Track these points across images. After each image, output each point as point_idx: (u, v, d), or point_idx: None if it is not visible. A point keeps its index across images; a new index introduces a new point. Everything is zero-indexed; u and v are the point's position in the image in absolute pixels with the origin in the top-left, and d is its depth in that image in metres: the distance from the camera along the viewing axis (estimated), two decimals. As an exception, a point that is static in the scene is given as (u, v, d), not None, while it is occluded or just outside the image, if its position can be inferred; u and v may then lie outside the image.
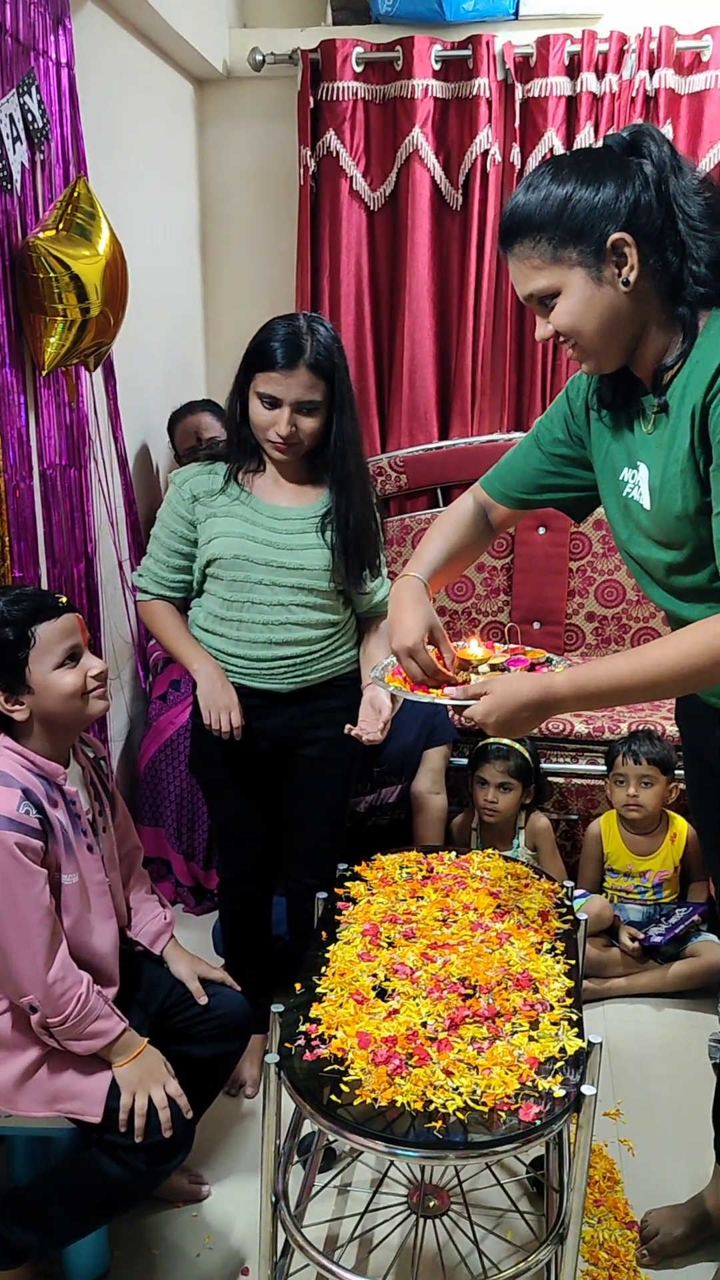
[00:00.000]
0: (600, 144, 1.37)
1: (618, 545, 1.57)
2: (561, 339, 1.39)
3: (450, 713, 2.79)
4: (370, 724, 2.07)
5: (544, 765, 2.98)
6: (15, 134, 2.15)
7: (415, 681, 1.59)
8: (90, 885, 1.72)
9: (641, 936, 2.68)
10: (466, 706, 1.48)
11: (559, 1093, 1.38)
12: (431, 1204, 1.87)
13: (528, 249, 1.36)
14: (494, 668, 1.64)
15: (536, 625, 3.58)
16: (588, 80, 3.27)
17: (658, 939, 2.66)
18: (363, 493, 2.12)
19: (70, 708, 1.68)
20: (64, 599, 1.70)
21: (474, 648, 1.69)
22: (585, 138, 3.33)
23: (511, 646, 1.72)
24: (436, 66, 3.35)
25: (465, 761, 2.94)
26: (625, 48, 3.25)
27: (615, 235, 1.31)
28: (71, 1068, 1.66)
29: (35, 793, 1.63)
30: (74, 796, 1.71)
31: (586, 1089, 1.39)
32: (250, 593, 2.09)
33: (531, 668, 1.63)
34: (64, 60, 2.37)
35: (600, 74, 3.28)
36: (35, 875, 1.60)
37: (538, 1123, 1.34)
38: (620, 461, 1.51)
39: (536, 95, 3.33)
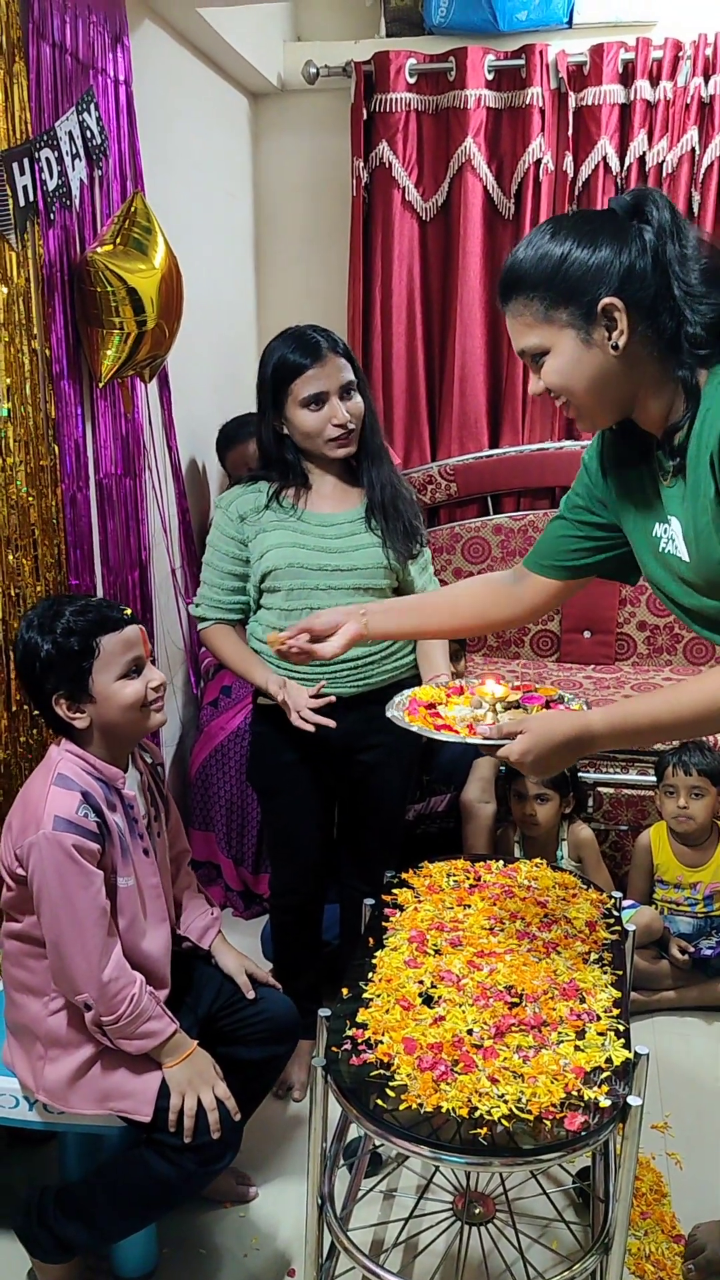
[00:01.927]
0: (605, 206, 1.37)
1: (664, 602, 1.54)
2: (553, 395, 1.40)
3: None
4: None
5: (593, 775, 2.97)
6: (75, 151, 2.20)
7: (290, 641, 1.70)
8: (145, 889, 1.75)
9: (691, 949, 2.66)
10: (499, 746, 1.46)
11: (605, 1103, 1.38)
12: (477, 1211, 1.87)
13: (521, 306, 1.36)
14: (509, 706, 1.63)
15: (587, 634, 3.57)
16: (642, 88, 3.27)
17: (708, 952, 2.63)
18: (390, 468, 2.20)
19: (130, 719, 1.71)
20: (128, 611, 1.73)
21: (491, 686, 1.67)
22: (639, 146, 3.32)
23: (524, 683, 1.71)
24: (489, 76, 3.36)
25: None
26: (680, 54, 3.23)
27: (606, 300, 1.30)
28: (123, 1067, 1.69)
29: (95, 796, 1.67)
30: (132, 801, 1.74)
31: (633, 1100, 1.39)
32: (309, 599, 2.10)
33: (546, 705, 1.62)
34: (122, 78, 2.42)
35: (654, 81, 3.28)
36: (92, 876, 1.63)
37: (583, 1132, 1.34)
38: (649, 518, 1.49)
39: (590, 104, 3.33)
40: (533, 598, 1.73)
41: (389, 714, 1.65)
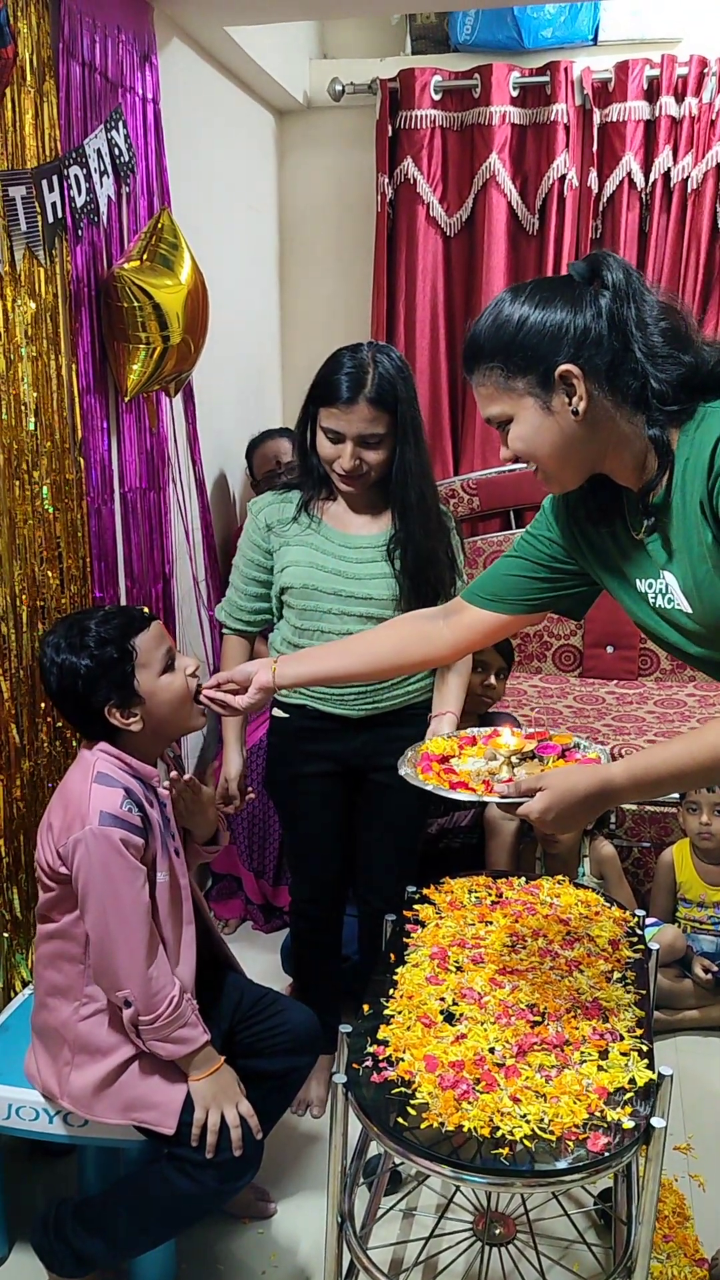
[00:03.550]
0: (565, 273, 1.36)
1: (670, 653, 1.51)
2: (520, 461, 1.39)
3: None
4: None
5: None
6: (103, 168, 2.22)
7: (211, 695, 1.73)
8: (179, 886, 1.77)
9: (715, 968, 2.64)
10: (518, 804, 1.42)
11: (628, 1124, 1.37)
12: (497, 1231, 1.86)
13: (482, 375, 1.36)
14: (524, 757, 1.59)
15: (610, 649, 3.56)
16: (667, 104, 3.27)
17: (731, 971, 2.61)
18: (425, 525, 2.07)
19: (179, 712, 1.74)
20: (146, 609, 1.75)
21: (507, 737, 1.65)
22: (663, 162, 3.33)
23: (537, 731, 1.67)
24: (514, 93, 3.38)
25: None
26: (705, 71, 3.24)
27: (562, 367, 1.29)
28: (149, 1079, 1.69)
29: (135, 792, 1.68)
30: (165, 799, 1.76)
31: (656, 1121, 1.38)
32: (319, 621, 2.10)
33: (563, 754, 1.59)
34: (150, 96, 2.45)
35: (680, 98, 3.28)
36: (137, 871, 1.65)
37: (606, 1154, 1.33)
38: (631, 573, 1.46)
39: (615, 120, 3.34)
40: (463, 633, 1.68)
41: (401, 771, 1.60)
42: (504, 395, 1.35)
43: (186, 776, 1.86)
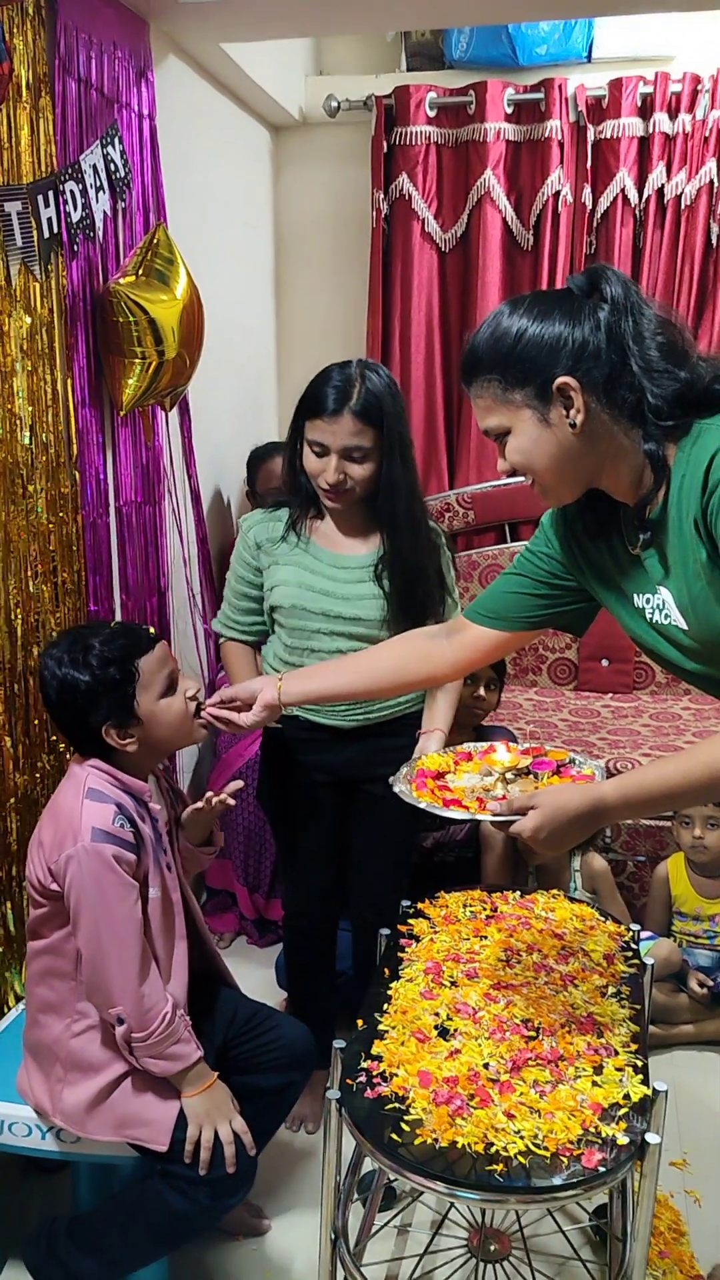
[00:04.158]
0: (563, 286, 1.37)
1: (666, 668, 1.51)
2: (517, 474, 1.40)
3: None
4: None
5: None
6: (99, 183, 2.23)
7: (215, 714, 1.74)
8: (171, 902, 1.76)
9: (711, 983, 2.63)
10: (511, 822, 1.42)
11: (623, 1140, 1.36)
12: (492, 1248, 1.85)
13: (480, 388, 1.37)
14: (519, 773, 1.59)
15: (604, 662, 3.56)
16: (660, 121, 3.30)
17: (727, 985, 2.61)
18: (414, 542, 2.06)
19: (178, 734, 1.74)
20: (152, 630, 1.75)
21: (501, 754, 1.65)
22: (657, 178, 3.35)
23: (532, 747, 1.68)
24: (509, 110, 3.40)
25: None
26: (699, 88, 3.27)
27: (560, 380, 1.29)
28: (141, 1095, 1.68)
29: (127, 808, 1.68)
30: (157, 814, 1.75)
31: (651, 1137, 1.37)
32: (309, 640, 2.10)
33: (558, 770, 1.59)
34: (146, 112, 2.46)
35: (673, 114, 3.30)
36: (130, 887, 1.64)
37: (600, 1169, 1.33)
38: (627, 588, 1.47)
39: (609, 136, 3.36)
40: (465, 652, 1.69)
41: (395, 789, 1.59)
42: (502, 407, 1.36)
43: (219, 798, 1.86)
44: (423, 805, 1.52)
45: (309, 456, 2.03)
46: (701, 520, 1.30)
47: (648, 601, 1.44)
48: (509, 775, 1.58)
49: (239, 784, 1.89)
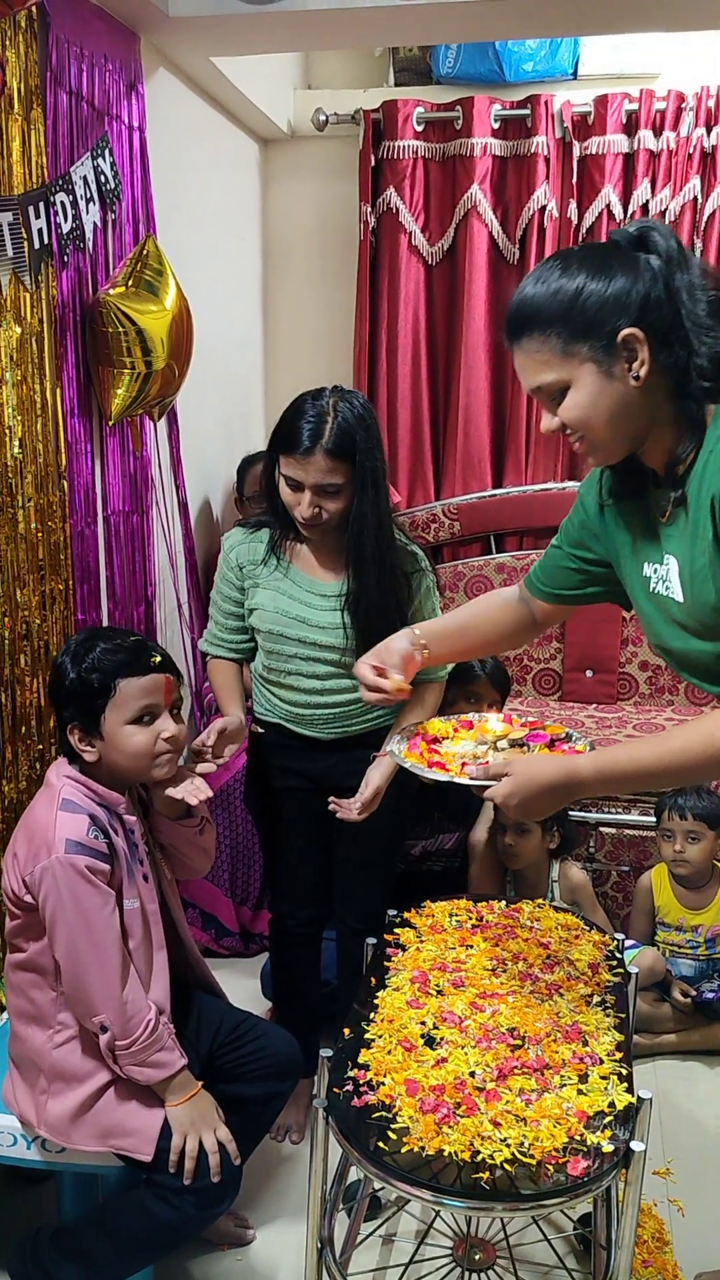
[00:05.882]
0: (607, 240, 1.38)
1: (652, 642, 1.53)
2: (568, 432, 1.38)
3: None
4: (351, 803, 2.07)
5: (595, 815, 2.96)
6: (89, 195, 2.24)
7: (367, 685, 1.64)
8: (147, 913, 1.76)
9: (694, 992, 2.64)
10: (486, 787, 1.45)
11: (607, 1148, 1.37)
12: (477, 1257, 1.85)
13: (537, 343, 1.34)
14: (513, 743, 1.61)
15: (589, 673, 3.58)
16: (645, 138, 3.33)
17: (710, 995, 2.62)
18: (379, 579, 2.04)
19: (134, 766, 1.72)
20: (158, 659, 1.72)
21: (493, 723, 1.66)
22: (642, 194, 3.38)
23: (531, 720, 1.70)
24: (495, 125, 3.43)
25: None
26: (683, 106, 3.30)
27: (626, 330, 1.29)
28: (125, 1105, 1.68)
29: (100, 819, 1.68)
30: (133, 826, 1.75)
31: (635, 1145, 1.38)
32: (287, 663, 2.12)
33: (551, 744, 1.61)
34: (136, 124, 2.48)
35: (657, 132, 3.34)
36: (106, 896, 1.64)
37: (585, 1178, 1.33)
38: (641, 556, 1.49)
39: (594, 153, 3.39)
40: (543, 621, 1.76)
41: (389, 748, 1.62)
42: (561, 361, 1.34)
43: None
44: (408, 764, 1.57)
45: (284, 489, 2.02)
46: (719, 499, 1.31)
47: (654, 571, 1.46)
48: (501, 744, 1.60)
49: (211, 767, 1.89)
